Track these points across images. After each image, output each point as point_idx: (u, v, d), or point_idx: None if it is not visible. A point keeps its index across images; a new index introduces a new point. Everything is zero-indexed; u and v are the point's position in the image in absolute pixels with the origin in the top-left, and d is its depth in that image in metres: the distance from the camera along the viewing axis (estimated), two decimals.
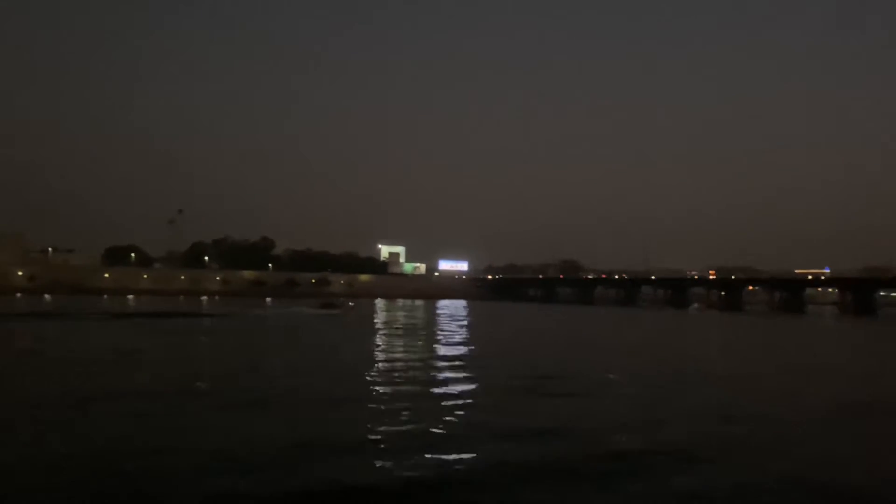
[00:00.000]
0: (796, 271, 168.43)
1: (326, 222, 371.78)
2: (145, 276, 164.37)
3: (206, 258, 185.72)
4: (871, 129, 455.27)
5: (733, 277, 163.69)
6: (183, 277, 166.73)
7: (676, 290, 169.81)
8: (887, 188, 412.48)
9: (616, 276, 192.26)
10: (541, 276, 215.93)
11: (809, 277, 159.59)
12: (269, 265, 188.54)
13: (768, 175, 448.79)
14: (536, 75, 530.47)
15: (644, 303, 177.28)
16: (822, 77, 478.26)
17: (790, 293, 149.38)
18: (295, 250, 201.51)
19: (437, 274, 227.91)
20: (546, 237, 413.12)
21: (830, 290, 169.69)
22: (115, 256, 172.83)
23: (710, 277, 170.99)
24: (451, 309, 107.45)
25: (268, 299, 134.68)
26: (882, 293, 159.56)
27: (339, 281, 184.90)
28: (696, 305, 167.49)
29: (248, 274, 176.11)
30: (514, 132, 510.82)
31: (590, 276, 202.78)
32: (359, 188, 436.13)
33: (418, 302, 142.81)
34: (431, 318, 74.73)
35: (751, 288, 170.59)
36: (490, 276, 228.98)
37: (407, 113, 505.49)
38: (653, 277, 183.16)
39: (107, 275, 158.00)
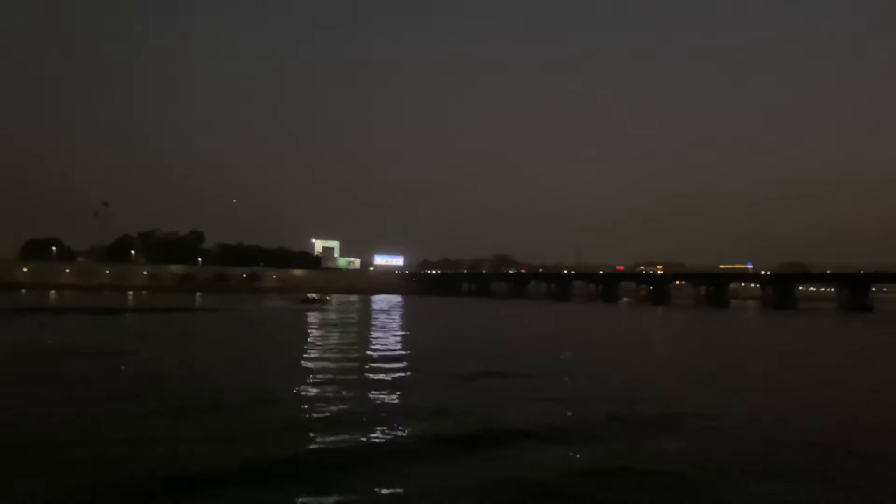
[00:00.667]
0: (721, 266, 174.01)
1: (259, 216, 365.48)
2: (67, 271, 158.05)
3: (133, 252, 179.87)
4: (797, 129, 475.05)
5: (661, 272, 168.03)
6: (108, 272, 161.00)
7: (607, 284, 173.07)
8: (808, 188, 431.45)
9: (541, 270, 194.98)
10: (476, 271, 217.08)
11: (733, 272, 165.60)
12: (199, 259, 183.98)
13: (696, 173, 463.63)
14: (477, 74, 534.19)
15: (576, 297, 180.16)
16: (736, 78, 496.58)
17: (715, 287, 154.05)
18: (225, 244, 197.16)
19: (372, 269, 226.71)
20: (481, 232, 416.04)
21: (753, 284, 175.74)
22: (35, 250, 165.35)
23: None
24: (391, 304, 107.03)
25: (197, 294, 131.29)
26: (801, 287, 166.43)
27: (271, 276, 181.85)
28: (625, 300, 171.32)
29: (176, 268, 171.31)
30: (450, 130, 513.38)
31: (523, 271, 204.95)
32: (294, 182, 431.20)
33: (353, 297, 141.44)
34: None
35: (678, 283, 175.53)
36: (425, 271, 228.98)
37: (345, 109, 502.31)
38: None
39: (25, 269, 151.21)
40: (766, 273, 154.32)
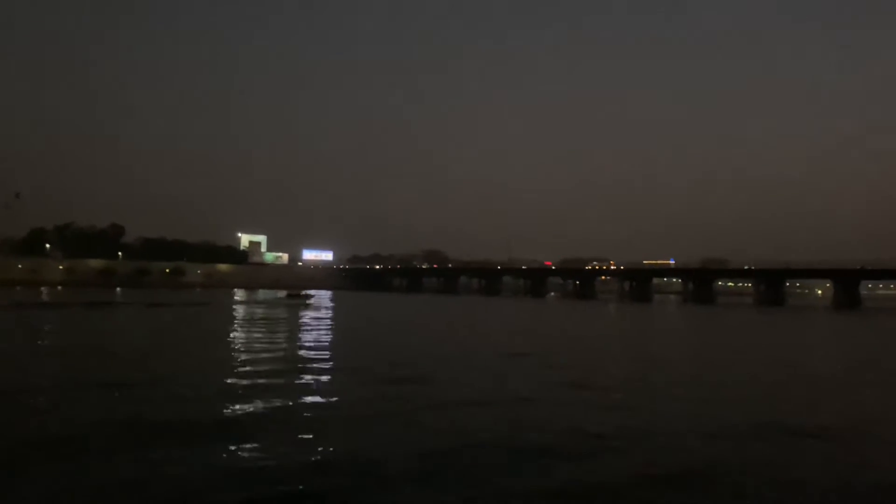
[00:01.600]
0: (644, 262, 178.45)
1: (183, 210, 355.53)
2: None
3: (48, 246, 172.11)
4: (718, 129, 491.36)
5: (587, 268, 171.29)
6: (20, 266, 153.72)
7: (535, 280, 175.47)
8: (727, 184, 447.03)
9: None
10: (406, 266, 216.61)
11: (656, 268, 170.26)
12: (119, 254, 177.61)
13: (622, 170, 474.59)
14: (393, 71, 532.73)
15: (506, 292, 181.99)
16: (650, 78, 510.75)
17: (639, 283, 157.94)
18: (147, 238, 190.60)
19: (300, 263, 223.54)
20: (412, 228, 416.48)
21: (675, 279, 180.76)
22: None
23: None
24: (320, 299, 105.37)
25: (118, 289, 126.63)
26: (721, 282, 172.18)
27: (195, 270, 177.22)
28: (553, 294, 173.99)
29: (94, 263, 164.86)
30: (372, 125, 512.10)
31: (454, 266, 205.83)
32: (219, 175, 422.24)
33: (280, 293, 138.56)
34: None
35: (604, 278, 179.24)
36: (355, 266, 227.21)
37: (276, 103, 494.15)
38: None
39: None
40: (686, 268, 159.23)
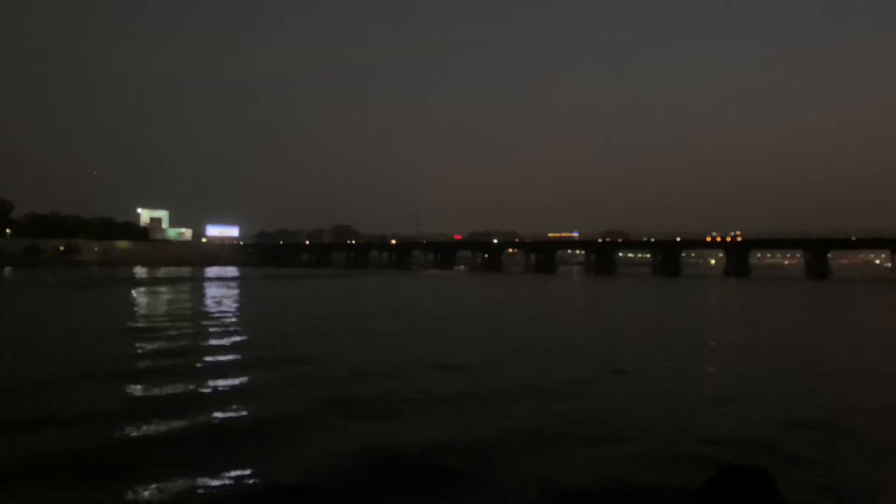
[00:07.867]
0: (549, 235, 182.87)
1: (78, 185, 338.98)
2: None
3: None
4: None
5: (494, 241, 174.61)
6: None
7: (444, 253, 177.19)
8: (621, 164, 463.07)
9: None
10: (315, 242, 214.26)
11: (560, 240, 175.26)
12: (7, 231, 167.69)
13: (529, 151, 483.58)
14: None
15: (415, 265, 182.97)
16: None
17: (544, 255, 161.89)
18: (38, 214, 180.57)
19: (204, 240, 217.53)
20: (319, 203, 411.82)
21: (579, 251, 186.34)
22: None
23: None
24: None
25: (6, 269, 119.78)
26: (621, 254, 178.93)
27: (92, 248, 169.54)
28: (461, 267, 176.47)
29: None
30: (288, 101, 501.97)
31: (363, 241, 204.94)
32: (120, 150, 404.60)
33: (184, 270, 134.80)
34: None
35: (511, 251, 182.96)
36: (262, 242, 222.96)
37: (174, 77, 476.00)
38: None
39: None
40: (590, 240, 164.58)
